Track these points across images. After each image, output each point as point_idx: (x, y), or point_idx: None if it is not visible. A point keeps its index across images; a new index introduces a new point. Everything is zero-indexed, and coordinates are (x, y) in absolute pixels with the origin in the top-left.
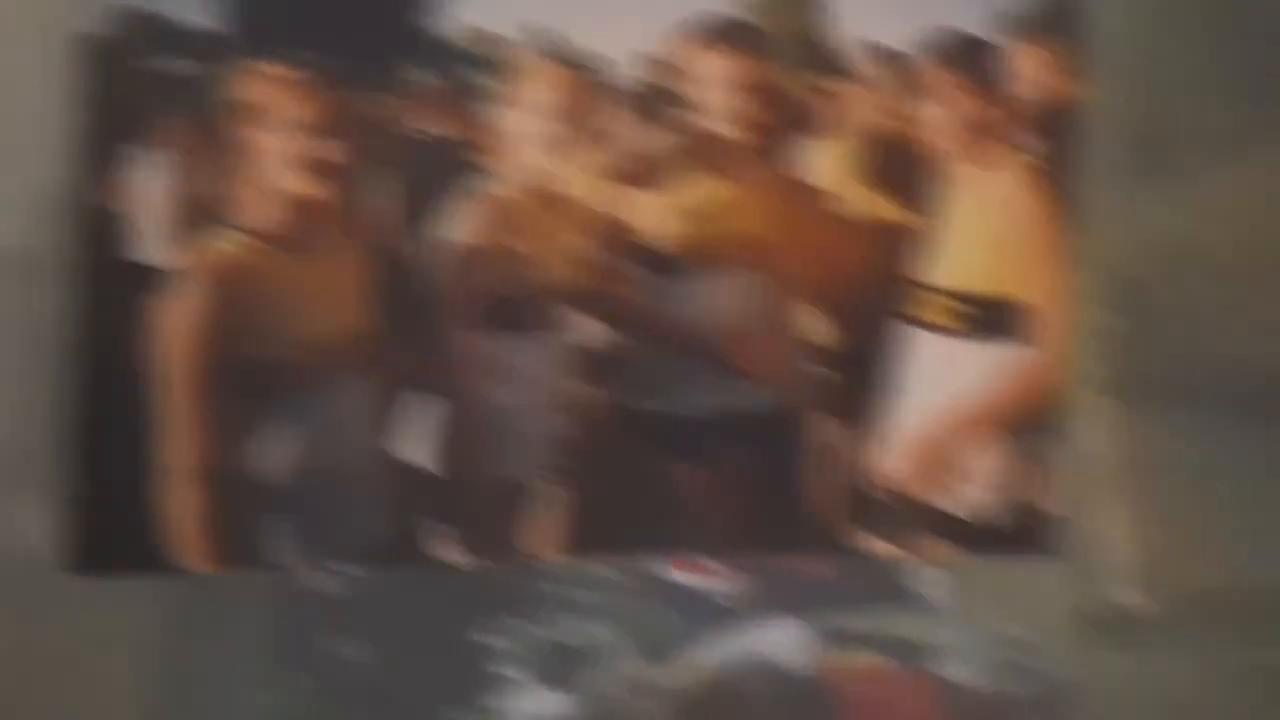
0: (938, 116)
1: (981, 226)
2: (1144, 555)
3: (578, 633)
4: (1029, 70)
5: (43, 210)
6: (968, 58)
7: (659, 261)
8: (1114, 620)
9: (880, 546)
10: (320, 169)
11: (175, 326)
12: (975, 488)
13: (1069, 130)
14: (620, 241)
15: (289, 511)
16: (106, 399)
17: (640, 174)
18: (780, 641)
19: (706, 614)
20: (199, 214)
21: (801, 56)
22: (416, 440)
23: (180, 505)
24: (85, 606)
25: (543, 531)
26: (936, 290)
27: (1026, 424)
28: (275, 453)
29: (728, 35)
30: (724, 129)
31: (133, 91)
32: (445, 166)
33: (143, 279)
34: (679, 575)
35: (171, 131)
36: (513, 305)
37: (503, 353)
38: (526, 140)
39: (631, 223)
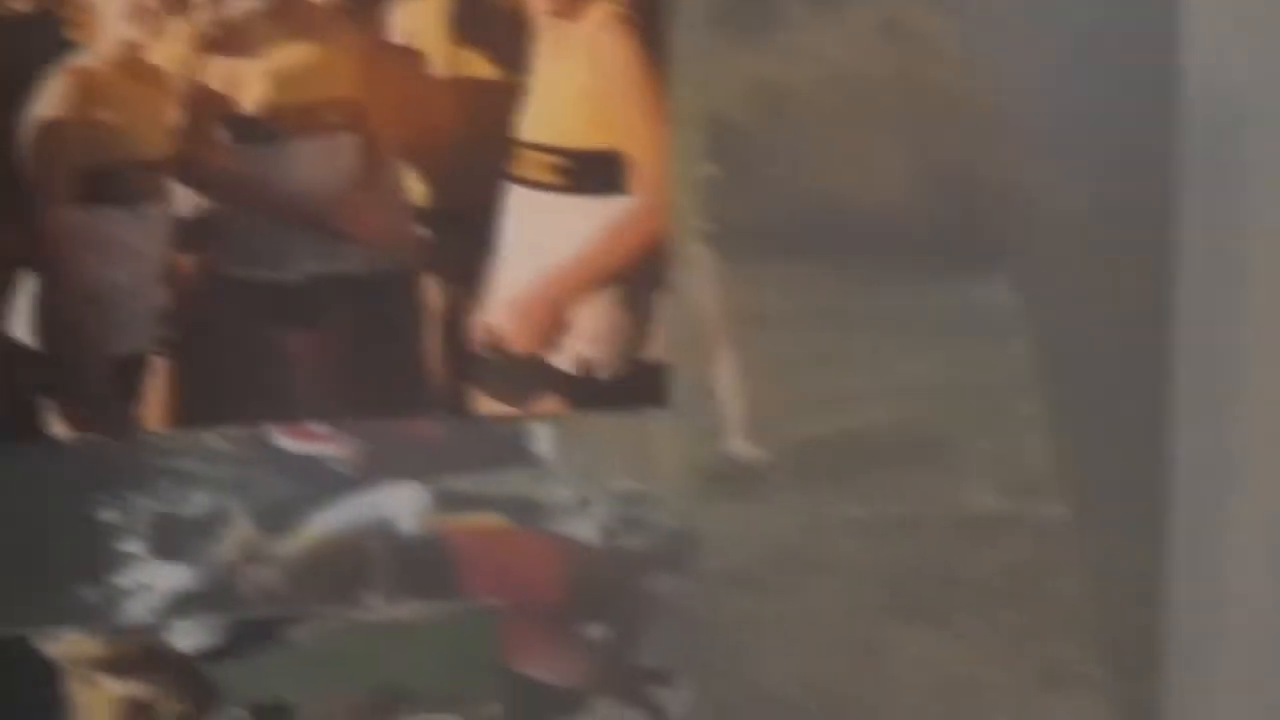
0: None
1: (574, 80)
2: (752, 406)
3: (192, 504)
4: None
5: None
6: None
7: (253, 129)
8: (726, 471)
9: (492, 406)
10: None
11: None
12: (583, 343)
13: None
14: (213, 110)
15: None
16: None
17: (230, 41)
18: (396, 505)
19: (321, 480)
20: None
21: None
22: (21, 317)
23: None
24: None
25: (152, 404)
26: (534, 147)
27: (630, 277)
28: None
29: None
30: None
31: None
32: (34, 42)
33: None
34: (291, 443)
35: None
36: (108, 178)
37: (100, 226)
38: (113, 11)
39: (223, 90)
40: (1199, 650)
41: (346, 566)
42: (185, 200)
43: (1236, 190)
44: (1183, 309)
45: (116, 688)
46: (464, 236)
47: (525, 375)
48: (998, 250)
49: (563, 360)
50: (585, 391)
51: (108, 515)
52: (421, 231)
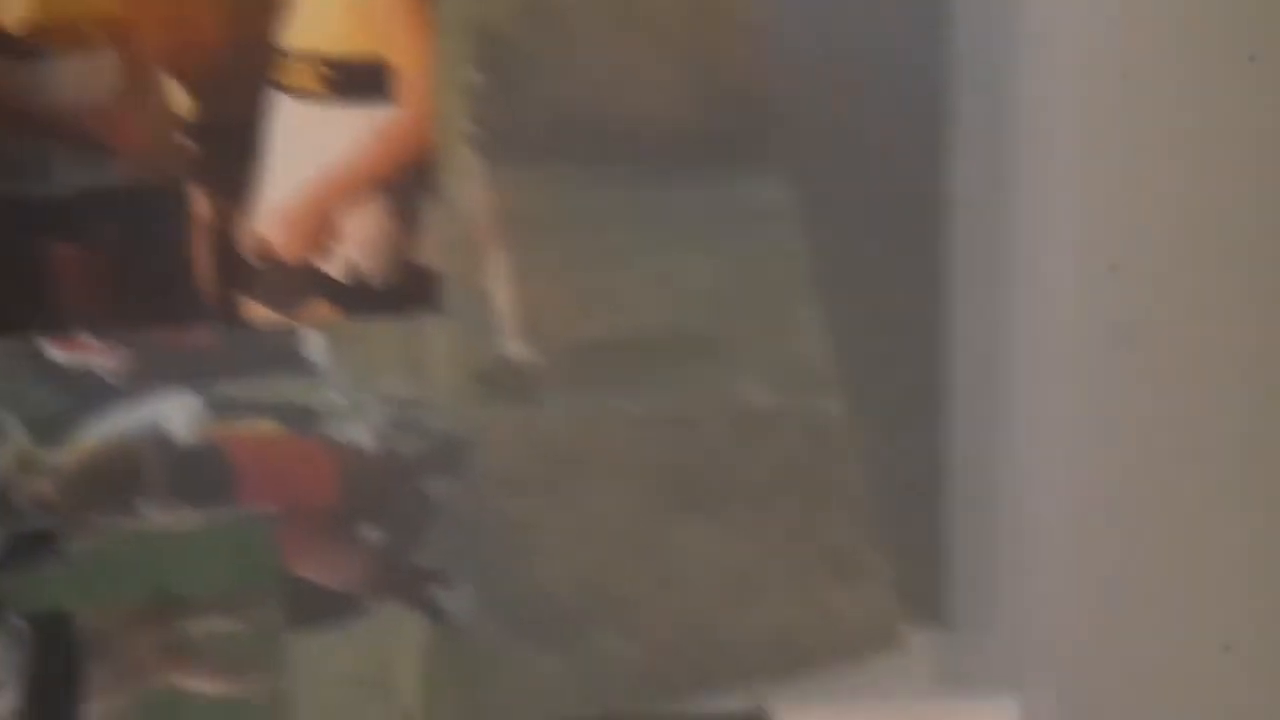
0: None
1: None
2: (525, 309)
3: None
4: None
5: None
6: None
7: (15, 47)
8: (500, 374)
9: (263, 314)
10: None
11: None
12: (353, 250)
13: None
14: None
15: None
16: None
17: None
18: (170, 414)
19: (93, 391)
20: None
21: None
22: None
23: None
24: None
25: None
26: (299, 56)
27: (399, 184)
28: None
29: None
30: None
31: None
32: None
33: None
34: (62, 355)
35: None
36: None
37: None
38: None
39: None
40: (979, 539)
41: (121, 476)
42: None
43: (1008, 90)
44: (957, 207)
45: None
46: (230, 147)
47: (296, 283)
48: (770, 152)
49: (333, 268)
50: (357, 298)
51: None
52: (187, 143)
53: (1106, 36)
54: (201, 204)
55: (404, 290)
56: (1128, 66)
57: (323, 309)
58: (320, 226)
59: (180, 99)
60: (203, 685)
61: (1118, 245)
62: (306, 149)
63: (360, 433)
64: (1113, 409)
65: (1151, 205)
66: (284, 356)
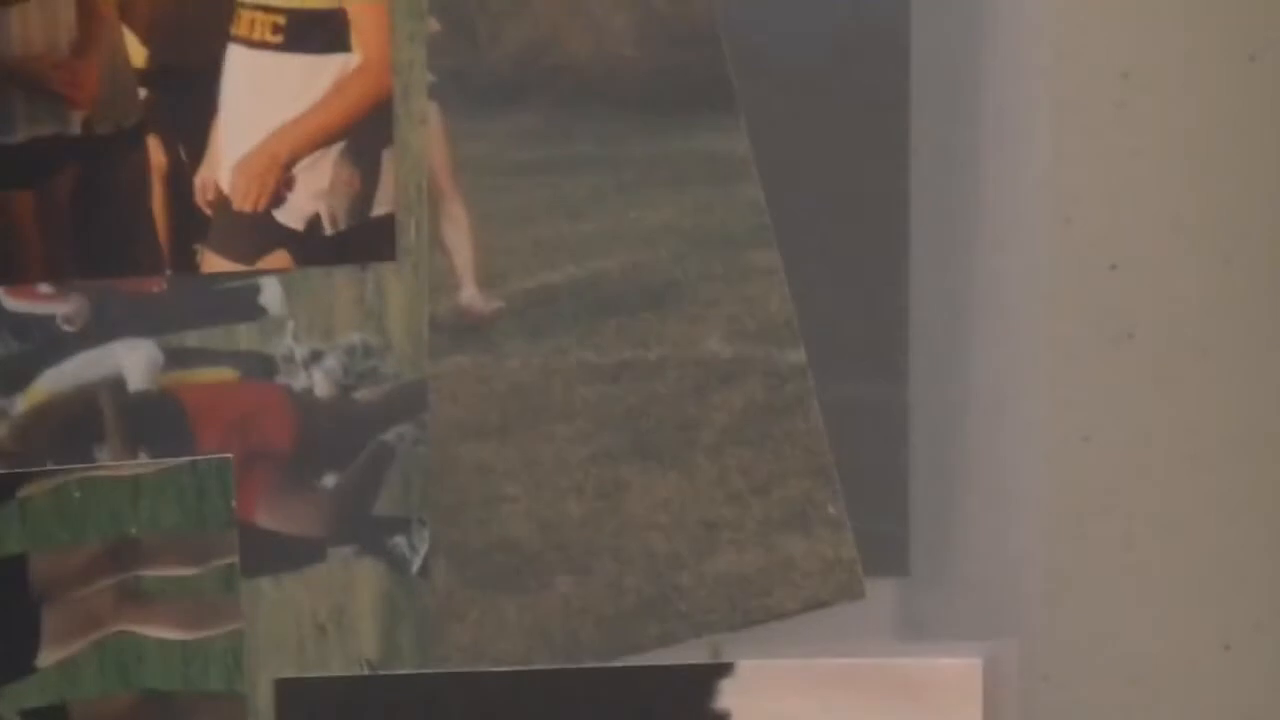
0: None
1: None
2: (482, 256)
3: None
4: None
5: None
6: None
7: None
8: (458, 321)
9: (220, 263)
10: None
11: None
12: (310, 199)
13: None
14: None
15: None
16: None
17: None
18: (127, 362)
19: (50, 339)
20: None
21: None
22: None
23: None
24: None
25: None
26: (254, 5)
27: (356, 132)
28: None
29: None
30: None
31: None
32: None
33: None
34: (18, 303)
35: None
36: None
37: None
38: None
39: None
40: (941, 488)
41: (78, 423)
42: None
43: (971, 32)
44: (919, 156)
45: None
46: (187, 97)
47: (253, 233)
48: (729, 98)
49: (290, 217)
50: (314, 247)
51: None
52: (143, 93)
53: (1107, 36)
54: (158, 153)
55: (361, 239)
56: (1128, 66)
57: (279, 258)
58: (277, 176)
59: (136, 48)
60: (160, 631)
61: (1118, 245)
62: (263, 98)
63: (317, 380)
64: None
65: (1151, 204)
66: (241, 305)
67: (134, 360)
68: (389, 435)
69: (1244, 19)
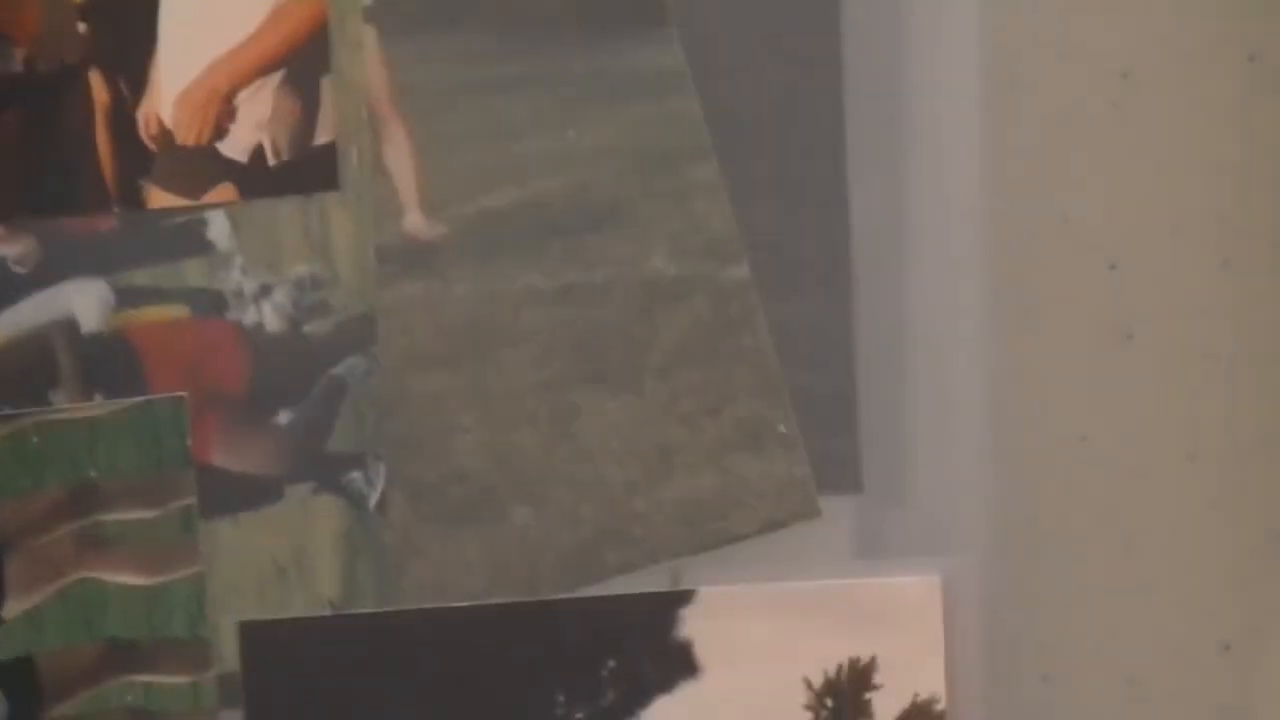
0: None
1: None
2: (425, 182)
3: None
4: None
5: None
6: None
7: None
8: (404, 249)
9: (165, 199)
10: None
11: None
12: (252, 130)
13: None
14: None
15: None
16: None
17: None
18: (77, 302)
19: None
20: None
21: None
22: None
23: None
24: None
25: None
26: None
27: (295, 62)
28: None
29: None
30: None
31: None
32: None
33: None
34: None
35: None
36: None
37: None
38: None
39: None
40: (893, 404)
41: (33, 367)
42: None
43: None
44: (851, 64)
45: None
46: (126, 31)
47: (197, 166)
48: (660, 10)
49: (234, 149)
50: (258, 179)
51: None
52: (84, 28)
53: (1106, 35)
54: (100, 89)
55: (304, 169)
56: (1127, 66)
57: (225, 191)
58: (218, 107)
59: None
60: (121, 576)
61: (1118, 244)
62: (201, 29)
63: (267, 315)
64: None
65: (1151, 204)
66: (188, 240)
67: (86, 301)
68: (340, 368)
69: (1243, 19)
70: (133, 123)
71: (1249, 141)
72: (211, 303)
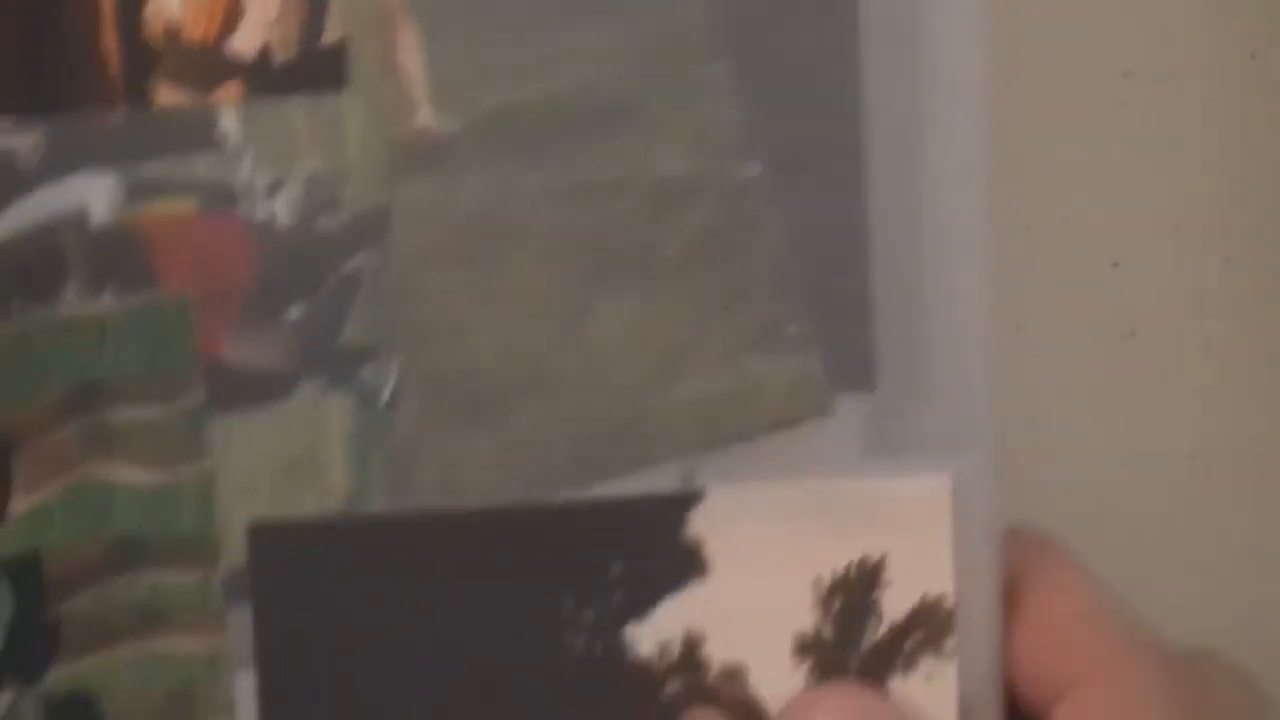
0: None
1: None
2: (436, 78)
3: None
4: None
5: None
6: None
7: None
8: (416, 145)
9: (174, 95)
10: None
11: None
12: (261, 26)
13: None
14: None
15: None
16: None
17: None
18: (87, 196)
19: (7, 177)
20: None
21: None
22: None
23: None
24: None
25: None
26: None
27: None
28: None
29: None
30: None
31: None
32: None
33: None
34: None
35: None
36: None
37: None
38: None
39: None
40: (906, 301)
41: (40, 263)
42: None
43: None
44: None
45: None
46: None
47: (205, 63)
48: None
49: (242, 46)
50: (266, 77)
51: None
52: None
53: (1108, 34)
54: None
55: (313, 65)
56: (1129, 65)
57: (233, 88)
58: (226, 3)
59: None
60: (128, 475)
61: (1119, 243)
62: None
63: (278, 210)
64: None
65: (1152, 202)
66: (198, 135)
67: (94, 194)
68: (351, 265)
69: (1245, 17)
70: (140, 18)
71: (1251, 139)
72: (221, 197)
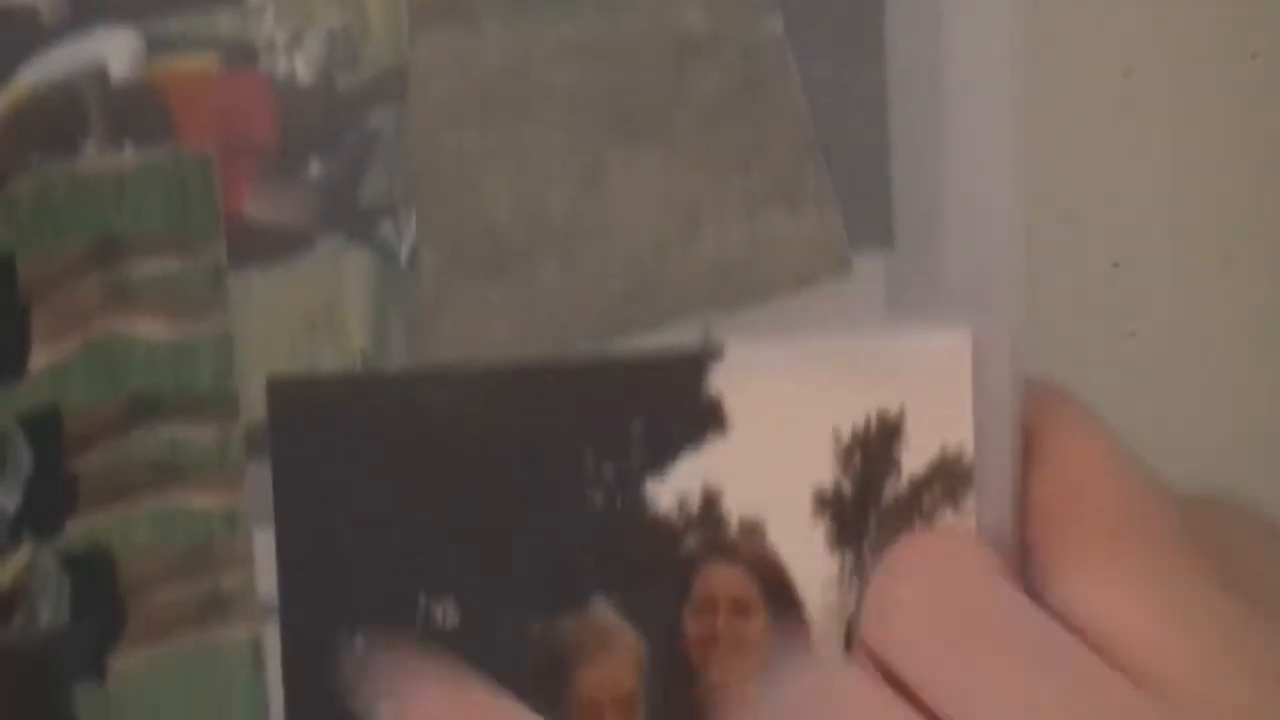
0: None
1: None
2: None
3: None
4: None
5: None
6: None
7: None
8: (436, 1)
9: None
10: None
11: None
12: None
13: None
14: None
15: None
16: None
17: None
18: (108, 50)
19: (29, 30)
20: None
21: None
22: None
23: None
24: None
25: None
26: None
27: None
28: None
29: None
30: None
31: None
32: None
33: None
34: None
35: None
36: None
37: None
38: None
39: None
40: (926, 157)
41: (61, 117)
42: None
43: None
44: None
45: None
46: None
47: None
48: None
49: None
50: None
51: None
52: None
53: (1108, 34)
54: None
55: None
56: (1130, 64)
57: None
58: None
59: None
60: (147, 329)
61: (1119, 243)
62: None
63: (299, 66)
64: None
65: (1152, 202)
66: None
67: (115, 48)
68: (371, 121)
69: (1246, 16)
70: None
71: (1252, 139)
72: (242, 52)
